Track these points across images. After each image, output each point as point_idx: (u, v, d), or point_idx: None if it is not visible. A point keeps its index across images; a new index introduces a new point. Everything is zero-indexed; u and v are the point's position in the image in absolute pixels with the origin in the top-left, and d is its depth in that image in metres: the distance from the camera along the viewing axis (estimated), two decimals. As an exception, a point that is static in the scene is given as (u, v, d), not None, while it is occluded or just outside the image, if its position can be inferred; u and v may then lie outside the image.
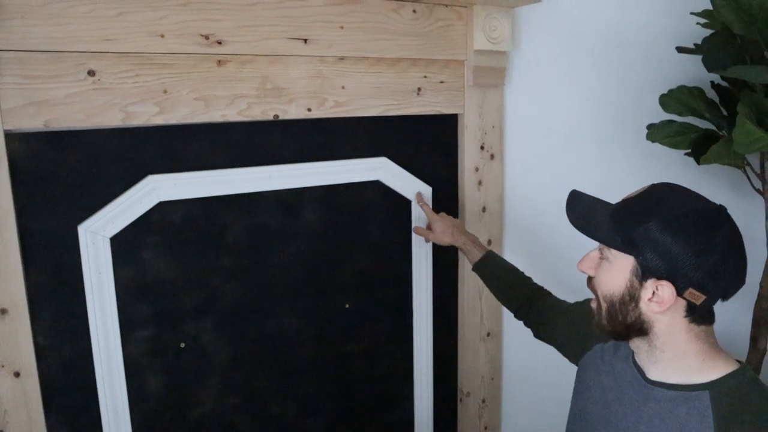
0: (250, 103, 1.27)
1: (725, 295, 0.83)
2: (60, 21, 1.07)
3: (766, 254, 1.79)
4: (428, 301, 1.62)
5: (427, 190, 1.55)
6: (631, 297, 0.85)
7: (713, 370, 0.86)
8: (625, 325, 0.88)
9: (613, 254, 0.87)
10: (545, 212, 1.78)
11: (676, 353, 0.87)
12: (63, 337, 1.19)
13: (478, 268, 1.40)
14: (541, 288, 1.34)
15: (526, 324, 1.31)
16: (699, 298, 0.82)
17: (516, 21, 1.61)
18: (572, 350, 1.13)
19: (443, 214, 1.49)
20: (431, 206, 1.55)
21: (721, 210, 0.84)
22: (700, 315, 0.85)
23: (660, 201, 0.85)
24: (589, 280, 0.93)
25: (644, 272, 0.83)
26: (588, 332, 1.05)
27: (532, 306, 1.29)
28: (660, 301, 0.83)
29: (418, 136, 1.53)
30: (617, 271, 0.86)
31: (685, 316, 0.84)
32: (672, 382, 0.88)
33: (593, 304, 0.93)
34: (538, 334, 1.28)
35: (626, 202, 0.88)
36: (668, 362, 0.88)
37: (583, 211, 0.93)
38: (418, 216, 1.55)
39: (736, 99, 1.64)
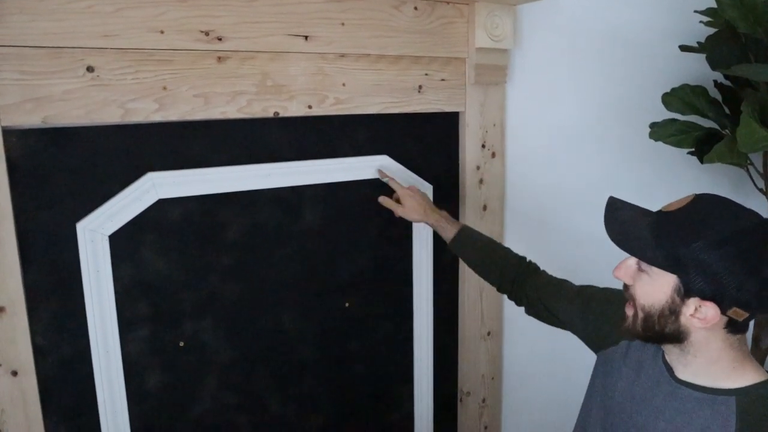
0: (250, 100, 1.26)
1: (764, 311, 0.82)
2: (59, 16, 1.06)
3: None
4: (428, 300, 1.61)
5: (428, 188, 1.54)
6: (671, 312, 0.84)
7: (742, 377, 0.85)
8: (662, 334, 0.87)
9: (654, 270, 0.85)
10: (547, 210, 1.77)
11: (709, 360, 0.86)
12: (61, 336, 1.18)
13: (453, 245, 1.36)
14: (523, 259, 1.31)
15: (511, 298, 1.30)
16: (742, 315, 0.81)
17: (518, 18, 1.60)
18: (588, 336, 1.11)
19: (414, 187, 1.42)
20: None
21: (767, 225, 0.81)
22: (739, 327, 0.84)
23: (705, 218, 0.82)
24: (626, 287, 0.92)
25: (687, 291, 0.82)
26: (607, 323, 1.05)
27: (522, 282, 1.27)
28: (703, 319, 0.82)
29: (419, 134, 1.52)
30: (658, 286, 0.85)
31: (724, 328, 0.84)
32: (700, 384, 0.87)
33: (628, 311, 0.91)
34: (531, 311, 1.26)
35: (668, 217, 0.85)
36: (699, 366, 0.87)
37: (622, 224, 0.90)
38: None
39: (740, 98, 1.63)
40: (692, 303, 0.82)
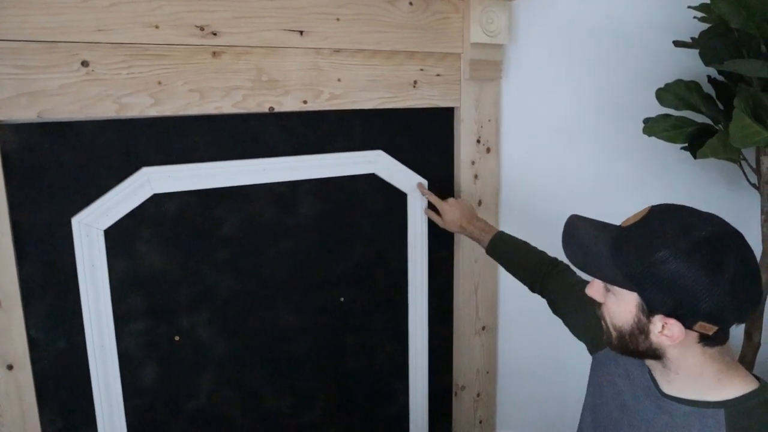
0: (245, 95, 1.26)
1: (740, 320, 0.79)
2: (53, 11, 1.06)
3: (761, 249, 1.79)
4: (423, 295, 1.61)
5: (423, 183, 1.54)
6: (641, 330, 0.82)
7: (730, 388, 0.83)
8: (638, 351, 0.85)
9: (617, 289, 0.84)
10: (541, 206, 1.78)
11: (691, 374, 0.84)
12: (56, 330, 1.19)
13: (490, 252, 1.41)
14: (554, 260, 1.31)
15: (543, 297, 1.29)
16: (711, 329, 0.78)
17: (513, 14, 1.61)
18: (585, 337, 1.11)
19: (452, 200, 1.48)
20: (424, 199, 1.54)
21: (727, 233, 0.79)
22: (714, 339, 0.81)
23: (660, 232, 0.79)
24: (599, 304, 0.90)
25: (650, 309, 0.80)
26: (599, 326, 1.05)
27: (545, 279, 1.27)
28: (670, 336, 0.79)
29: (414, 130, 1.52)
30: (623, 305, 0.83)
31: (699, 342, 0.81)
32: (687, 398, 0.86)
33: (603, 325, 0.90)
34: (554, 310, 1.25)
35: (625, 232, 0.83)
36: (683, 381, 0.86)
37: (581, 244, 0.88)
38: (414, 208, 1.54)
39: (733, 93, 1.64)
40: (658, 321, 0.80)
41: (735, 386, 0.84)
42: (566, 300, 1.20)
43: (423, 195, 1.53)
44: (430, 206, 1.53)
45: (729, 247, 0.77)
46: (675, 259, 0.76)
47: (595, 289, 0.89)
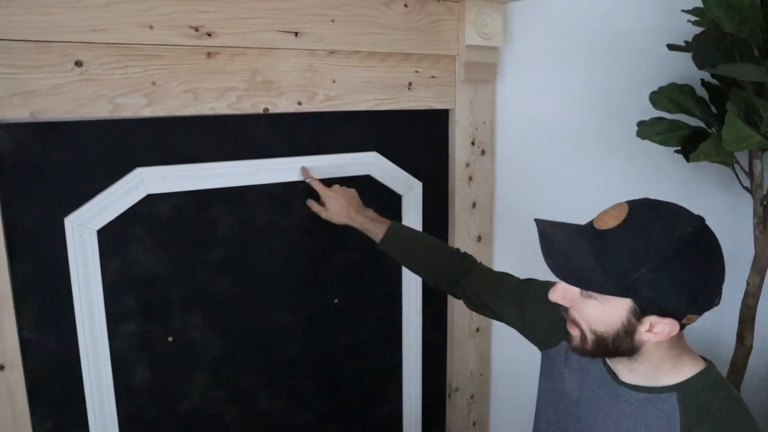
0: (239, 96, 1.26)
1: (715, 306, 0.82)
2: (47, 10, 1.05)
3: (753, 252, 1.80)
4: (417, 296, 1.61)
5: (417, 185, 1.55)
6: (627, 332, 0.82)
7: (681, 371, 0.86)
8: (616, 351, 0.85)
9: (604, 296, 0.82)
10: (536, 208, 1.78)
11: (654, 363, 0.87)
12: (49, 331, 1.18)
13: (383, 245, 1.29)
14: (457, 253, 1.27)
15: (453, 295, 1.26)
16: (694, 319, 0.81)
17: (508, 17, 1.61)
18: (528, 335, 1.11)
19: (337, 187, 1.34)
20: (419, 201, 1.54)
21: (702, 226, 0.80)
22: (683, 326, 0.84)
23: (645, 236, 0.78)
24: (564, 308, 0.88)
25: (643, 311, 0.80)
26: (544, 324, 1.05)
27: (458, 279, 1.23)
28: (660, 333, 0.81)
29: (408, 131, 1.53)
30: (610, 310, 0.82)
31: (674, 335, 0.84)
32: (643, 385, 0.88)
33: (573, 332, 0.88)
34: (474, 307, 1.23)
35: (608, 238, 0.81)
36: (644, 370, 0.87)
37: (562, 253, 0.85)
38: (409, 210, 1.54)
39: (726, 97, 1.65)
40: (647, 320, 0.81)
41: (686, 368, 0.87)
42: (496, 296, 1.17)
43: (305, 179, 1.37)
44: (314, 196, 1.37)
45: (708, 241, 0.80)
46: (667, 264, 0.77)
47: (563, 294, 0.86)
